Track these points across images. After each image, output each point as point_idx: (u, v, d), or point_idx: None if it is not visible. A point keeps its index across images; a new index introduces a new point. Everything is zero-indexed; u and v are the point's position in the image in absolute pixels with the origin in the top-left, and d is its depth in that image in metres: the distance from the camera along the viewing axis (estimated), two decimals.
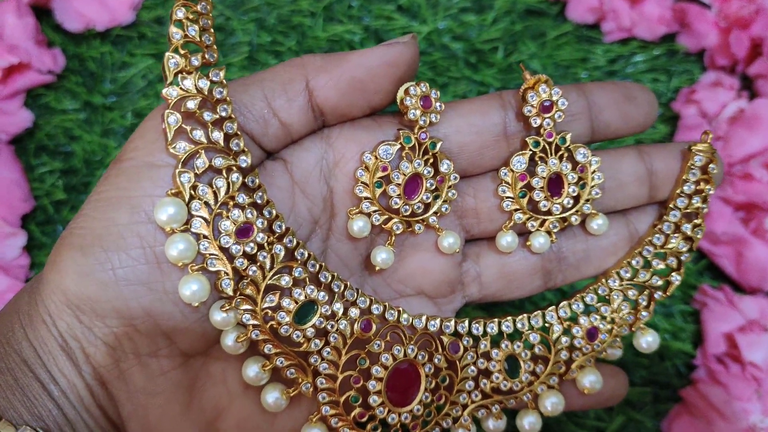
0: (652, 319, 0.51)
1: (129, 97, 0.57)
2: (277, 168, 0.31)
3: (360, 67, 0.30)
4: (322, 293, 0.30)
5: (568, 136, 0.33)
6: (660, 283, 0.35)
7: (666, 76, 0.60)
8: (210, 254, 0.28)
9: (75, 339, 0.28)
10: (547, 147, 0.33)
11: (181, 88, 0.27)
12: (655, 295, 0.35)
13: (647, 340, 0.36)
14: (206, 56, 0.28)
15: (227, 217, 0.28)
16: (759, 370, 0.46)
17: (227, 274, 0.28)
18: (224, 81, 0.28)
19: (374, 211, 0.32)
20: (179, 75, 0.27)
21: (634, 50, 0.61)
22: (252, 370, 0.29)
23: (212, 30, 0.29)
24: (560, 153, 0.34)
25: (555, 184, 0.34)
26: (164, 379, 0.29)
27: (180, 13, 0.28)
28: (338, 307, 0.30)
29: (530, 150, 0.33)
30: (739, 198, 0.52)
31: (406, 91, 0.31)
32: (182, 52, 0.27)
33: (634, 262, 0.35)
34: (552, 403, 0.34)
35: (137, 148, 0.28)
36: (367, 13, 0.62)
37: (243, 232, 0.28)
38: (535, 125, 0.33)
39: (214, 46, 0.28)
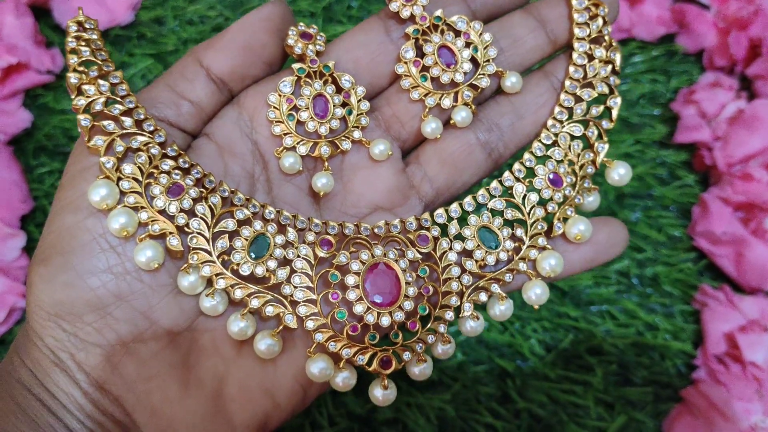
0: (651, 318, 0.51)
1: None
2: (201, 143, 0.33)
3: (239, 32, 0.33)
4: (270, 226, 0.31)
5: (440, 12, 0.35)
6: (601, 110, 0.36)
7: (665, 77, 0.60)
8: (151, 220, 0.30)
9: (64, 350, 0.29)
10: (426, 30, 0.35)
11: (87, 96, 0.31)
12: (603, 124, 0.36)
13: (619, 172, 0.36)
14: (103, 68, 0.32)
15: (156, 184, 0.30)
16: (760, 370, 0.47)
17: (172, 233, 0.30)
18: (123, 80, 0.32)
19: (298, 143, 0.34)
20: (82, 87, 0.31)
21: (633, 51, 0.61)
22: (234, 324, 0.30)
23: (104, 48, 0.33)
24: (440, 29, 0.35)
25: (446, 56, 0.35)
26: (156, 361, 0.30)
27: (72, 44, 0.32)
28: (292, 236, 0.32)
29: (413, 38, 0.35)
30: (738, 198, 0.52)
31: (287, 34, 0.34)
32: (80, 69, 0.31)
33: (564, 102, 0.36)
34: (550, 264, 0.33)
35: (69, 164, 0.31)
36: (367, 13, 0.62)
37: (173, 191, 0.30)
38: (406, 16, 0.35)
39: (109, 60, 0.32)
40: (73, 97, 0.31)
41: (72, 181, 0.30)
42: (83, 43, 0.32)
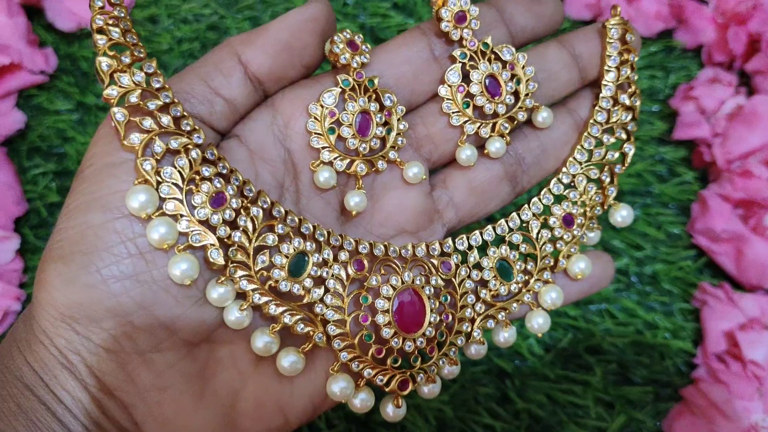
0: (651, 316, 0.50)
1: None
2: (232, 145, 0.32)
3: (282, 30, 0.31)
4: (309, 243, 0.31)
5: (489, 39, 0.35)
6: (616, 156, 0.37)
7: (663, 73, 0.60)
8: (192, 231, 0.28)
9: (75, 353, 0.27)
10: (474, 55, 0.35)
11: (120, 86, 0.28)
12: (616, 169, 0.37)
13: (622, 215, 0.37)
14: (135, 53, 0.29)
15: (198, 191, 0.29)
16: (760, 369, 0.46)
17: (213, 245, 0.28)
18: (158, 71, 0.29)
19: (335, 158, 0.33)
20: (115, 74, 0.28)
21: None
22: (261, 339, 0.30)
23: (133, 30, 0.30)
24: (487, 57, 0.35)
25: (492, 86, 0.35)
26: (172, 372, 0.29)
27: (99, 21, 0.29)
28: (328, 253, 0.31)
29: (459, 62, 0.35)
30: (738, 195, 0.52)
31: (332, 41, 0.33)
32: (111, 53, 0.28)
33: (586, 144, 0.37)
34: (551, 297, 0.35)
35: (94, 155, 0.29)
36: (363, 11, 0.61)
37: (216, 201, 0.29)
38: (456, 38, 0.35)
39: (140, 44, 0.29)
40: (104, 85, 0.28)
41: (98, 176, 0.28)
42: (111, 22, 0.29)
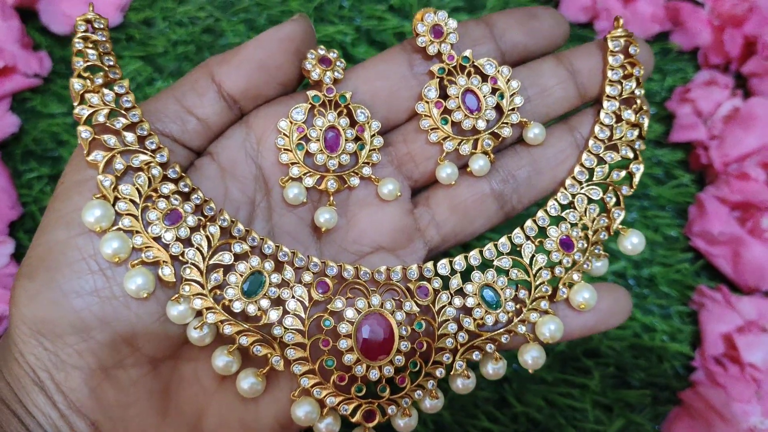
0: (648, 319, 0.50)
1: None
2: (204, 162, 0.32)
3: (256, 50, 0.32)
4: (268, 263, 0.30)
5: (468, 53, 0.34)
6: (623, 175, 0.35)
7: (660, 75, 0.60)
8: (145, 246, 0.29)
9: (44, 370, 0.28)
10: (453, 69, 0.34)
11: (89, 105, 0.30)
12: (622, 190, 0.35)
13: (632, 242, 0.34)
14: (109, 75, 0.31)
15: (154, 208, 0.29)
16: (758, 371, 0.46)
17: (166, 261, 0.29)
18: (129, 91, 0.31)
19: (304, 174, 0.33)
20: (86, 95, 0.30)
21: None
22: (220, 359, 0.29)
23: (112, 53, 0.32)
24: (466, 71, 0.34)
25: (471, 101, 0.34)
26: (136, 388, 0.29)
27: (79, 45, 0.31)
28: (289, 274, 0.30)
29: (437, 77, 0.34)
30: (735, 197, 0.52)
31: (305, 57, 0.33)
32: (85, 75, 0.30)
33: (586, 162, 0.34)
34: (550, 329, 0.32)
35: (67, 173, 0.30)
36: (359, 13, 0.61)
37: (171, 218, 0.29)
38: (433, 53, 0.34)
39: (116, 66, 0.31)
40: (75, 104, 0.30)
41: (67, 193, 0.29)
42: (91, 45, 0.31)
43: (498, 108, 0.34)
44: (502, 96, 0.34)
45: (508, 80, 0.34)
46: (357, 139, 0.33)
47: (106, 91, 0.30)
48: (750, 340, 0.47)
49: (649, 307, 0.52)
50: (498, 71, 0.34)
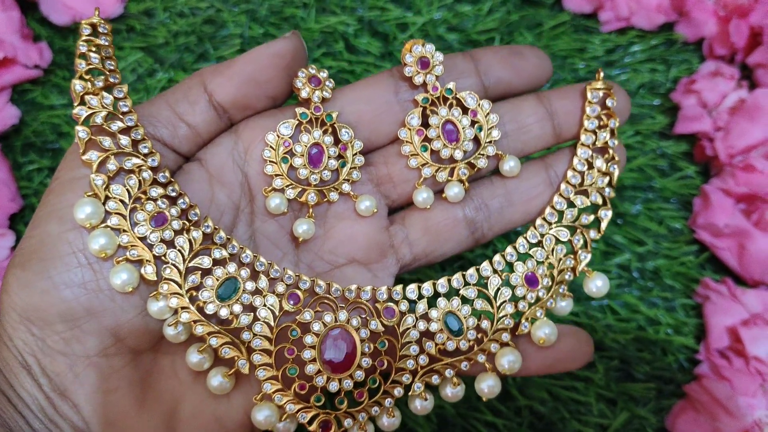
0: (653, 312, 0.50)
1: None
2: (193, 167, 0.34)
3: (248, 63, 0.34)
4: (244, 271, 0.32)
5: (452, 85, 0.36)
6: (591, 219, 0.37)
7: (664, 66, 0.60)
8: (130, 245, 0.31)
9: (31, 354, 0.30)
10: (436, 100, 0.36)
11: (89, 107, 0.31)
12: (591, 234, 0.36)
13: (597, 284, 0.36)
14: (110, 79, 0.32)
15: (141, 210, 0.31)
16: (763, 365, 0.46)
17: (149, 261, 0.31)
18: (128, 95, 0.33)
19: (287, 186, 0.34)
20: (86, 96, 0.31)
21: (632, 40, 0.60)
22: (193, 356, 0.31)
23: (114, 57, 0.33)
24: (449, 102, 0.36)
25: (450, 132, 0.36)
26: (117, 376, 0.31)
27: (83, 48, 0.32)
28: (263, 283, 0.32)
29: (421, 106, 0.36)
30: (740, 190, 0.51)
31: (296, 75, 0.35)
32: (86, 77, 0.32)
33: (557, 204, 0.36)
34: (509, 361, 0.33)
35: (62, 169, 0.32)
36: (361, 3, 0.60)
37: (157, 220, 0.31)
38: (419, 83, 0.35)
39: (117, 70, 0.33)
40: (75, 105, 0.31)
41: (61, 189, 0.31)
42: (94, 49, 0.33)
43: (476, 139, 0.36)
44: (480, 128, 0.36)
45: (488, 114, 0.36)
46: (339, 156, 0.35)
47: (105, 94, 0.32)
48: (755, 333, 0.47)
49: (654, 300, 0.51)
50: (479, 105, 0.36)
